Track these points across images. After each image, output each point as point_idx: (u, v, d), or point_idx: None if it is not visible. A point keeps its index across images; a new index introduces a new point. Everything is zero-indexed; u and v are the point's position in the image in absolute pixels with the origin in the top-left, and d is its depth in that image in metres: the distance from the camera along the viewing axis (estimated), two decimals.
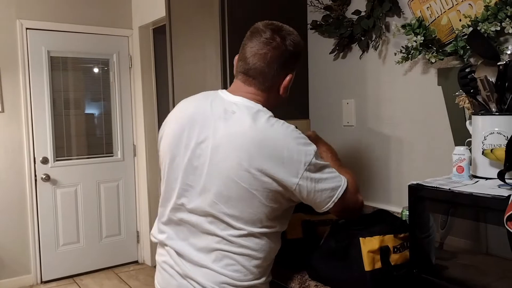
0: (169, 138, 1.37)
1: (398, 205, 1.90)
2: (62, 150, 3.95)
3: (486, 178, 1.31)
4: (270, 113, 1.30)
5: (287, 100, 1.45)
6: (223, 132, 1.26)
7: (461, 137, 1.62)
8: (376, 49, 1.98)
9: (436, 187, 1.24)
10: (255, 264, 1.29)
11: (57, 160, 3.90)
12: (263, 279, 1.33)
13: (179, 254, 1.34)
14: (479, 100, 1.38)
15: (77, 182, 4.00)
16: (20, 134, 3.72)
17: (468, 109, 1.49)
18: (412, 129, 1.87)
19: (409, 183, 1.31)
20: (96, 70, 4.17)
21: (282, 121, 1.29)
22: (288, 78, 1.35)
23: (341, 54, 2.15)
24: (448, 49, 1.65)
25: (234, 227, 1.26)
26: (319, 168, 1.25)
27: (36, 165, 3.79)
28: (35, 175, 3.79)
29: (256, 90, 1.33)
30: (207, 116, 1.31)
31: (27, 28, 3.71)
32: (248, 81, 1.33)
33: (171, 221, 1.37)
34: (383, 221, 1.41)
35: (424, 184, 1.28)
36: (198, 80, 2.30)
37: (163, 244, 1.40)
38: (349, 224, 1.41)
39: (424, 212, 1.28)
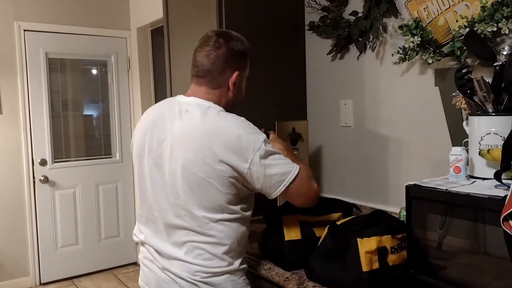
0: (136, 144, 1.51)
1: (396, 206, 1.90)
2: (60, 152, 3.94)
3: (483, 179, 1.31)
4: (221, 109, 1.40)
5: (242, 100, 1.52)
6: (178, 129, 1.37)
7: (458, 137, 1.62)
8: (373, 50, 1.99)
9: (433, 188, 1.24)
10: (224, 251, 1.36)
11: (55, 162, 3.90)
12: (236, 265, 1.39)
13: (157, 251, 1.44)
14: (476, 100, 1.38)
15: (76, 184, 4.00)
16: (18, 136, 3.72)
17: (465, 110, 1.49)
18: (409, 130, 1.87)
19: (406, 184, 1.31)
20: (94, 71, 4.17)
21: (233, 114, 1.39)
22: (234, 75, 1.43)
23: (339, 55, 2.16)
24: (445, 50, 1.65)
25: (198, 216, 1.33)
26: (269, 154, 1.33)
27: (34, 167, 3.79)
28: (34, 177, 3.79)
29: (207, 89, 1.43)
30: (165, 118, 1.42)
31: (25, 30, 3.71)
32: (199, 82, 1.43)
33: (149, 220, 1.47)
34: (380, 222, 1.41)
35: (421, 184, 1.28)
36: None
37: (143, 243, 1.52)
38: (347, 225, 1.41)
39: (421, 213, 1.28)
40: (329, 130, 2.23)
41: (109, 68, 4.17)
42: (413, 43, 1.70)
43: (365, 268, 1.30)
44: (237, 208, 1.37)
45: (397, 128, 1.92)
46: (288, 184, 1.33)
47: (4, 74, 3.64)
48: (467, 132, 1.42)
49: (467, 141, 1.43)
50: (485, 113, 1.35)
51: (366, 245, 1.31)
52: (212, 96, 1.42)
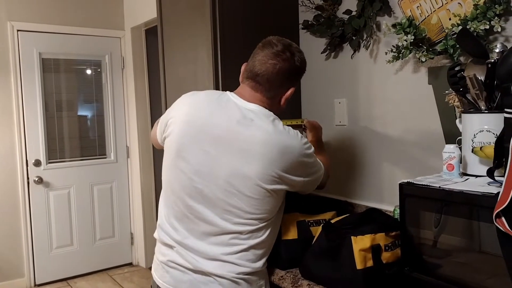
0: (186, 123, 1.45)
1: (391, 204, 1.91)
2: (54, 153, 3.93)
3: (476, 176, 1.32)
4: (281, 122, 1.45)
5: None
6: (244, 137, 1.37)
7: (452, 135, 1.62)
8: (367, 49, 1.99)
9: (427, 185, 1.25)
10: (265, 251, 1.45)
11: (49, 163, 3.88)
12: (265, 261, 1.47)
13: (193, 250, 1.42)
14: (469, 98, 1.39)
15: (70, 185, 3.99)
16: (12, 136, 3.70)
17: (458, 108, 1.50)
18: (403, 128, 1.88)
19: (400, 182, 1.32)
20: (88, 71, 4.16)
21: (290, 128, 1.45)
22: (290, 90, 1.48)
23: (333, 53, 2.16)
24: (438, 48, 1.66)
25: (249, 222, 1.39)
26: (312, 166, 1.49)
27: (28, 167, 3.78)
28: (28, 178, 3.78)
29: (262, 97, 1.44)
30: (222, 117, 1.41)
31: (18, 30, 3.69)
32: (256, 88, 1.43)
33: (184, 217, 1.45)
34: (374, 220, 1.42)
35: (414, 182, 1.29)
36: (190, 81, 2.30)
37: (177, 243, 1.46)
38: (341, 223, 1.42)
39: (415, 210, 1.29)
40: (323, 129, 2.22)
41: (103, 68, 4.16)
42: (406, 41, 1.70)
43: (359, 265, 1.30)
44: (278, 210, 1.46)
45: (391, 126, 1.92)
46: (316, 185, 1.53)
47: None
48: (460, 130, 1.42)
49: (461, 139, 1.43)
50: (477, 110, 1.36)
51: (360, 243, 1.32)
52: (265, 105, 1.44)
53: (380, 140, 1.97)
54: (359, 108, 2.06)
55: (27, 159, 3.77)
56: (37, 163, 3.82)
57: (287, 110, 2.25)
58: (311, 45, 2.25)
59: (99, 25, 4.07)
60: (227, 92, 1.50)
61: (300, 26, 2.29)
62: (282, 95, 1.48)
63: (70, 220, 3.99)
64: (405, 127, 1.87)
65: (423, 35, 1.72)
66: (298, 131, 1.46)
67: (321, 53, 2.17)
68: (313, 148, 1.48)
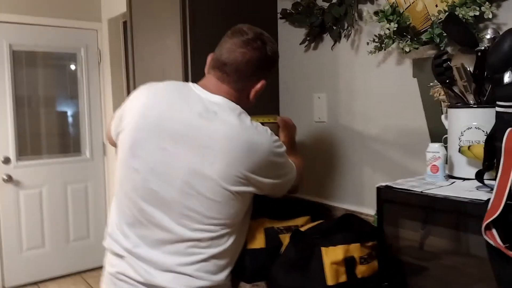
0: (134, 133, 1.29)
1: (372, 208, 1.75)
2: (26, 150, 3.73)
3: (463, 179, 1.17)
4: (249, 116, 1.29)
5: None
6: (207, 133, 1.22)
7: (438, 133, 1.48)
8: (348, 39, 1.83)
9: (407, 190, 1.09)
10: (228, 262, 1.30)
11: (20, 160, 3.68)
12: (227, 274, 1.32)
13: (145, 261, 1.26)
14: (456, 91, 1.23)
15: (42, 184, 3.79)
16: None
17: (444, 102, 1.35)
18: (386, 125, 1.72)
19: (377, 185, 1.16)
20: (62, 65, 3.96)
21: (259, 124, 1.30)
22: (261, 83, 1.35)
23: (312, 44, 2.00)
24: (424, 37, 1.51)
25: (211, 228, 1.26)
26: (284, 167, 1.36)
27: None
28: None
29: (229, 89, 1.31)
30: (184, 110, 1.26)
31: None
32: (223, 79, 1.30)
33: (137, 222, 1.29)
34: (350, 228, 1.26)
35: (393, 186, 1.14)
36: (158, 74, 2.13)
37: (126, 252, 1.30)
38: (313, 231, 1.26)
39: (394, 218, 1.13)
40: (301, 126, 2.07)
41: (78, 61, 3.97)
42: (389, 30, 1.55)
43: (330, 281, 1.15)
44: (244, 215, 1.33)
45: (373, 124, 1.77)
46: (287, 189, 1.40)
47: None
48: (446, 127, 1.27)
49: (447, 137, 1.28)
50: (465, 105, 1.21)
51: (332, 255, 1.16)
52: (233, 98, 1.31)
53: (361, 138, 1.82)
54: (340, 104, 1.90)
55: None
56: (6, 161, 3.62)
57: (263, 106, 2.10)
58: (290, 36, 2.09)
59: (74, 16, 3.87)
60: (190, 83, 1.35)
61: (279, 15, 2.13)
62: (252, 87, 1.35)
63: (42, 220, 3.79)
64: (388, 124, 1.72)
65: (407, 23, 1.57)
66: (267, 127, 1.31)
67: (300, 44, 2.01)
68: (284, 147, 1.34)
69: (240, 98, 1.34)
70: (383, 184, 1.16)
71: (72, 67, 3.97)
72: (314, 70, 2.00)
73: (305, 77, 2.05)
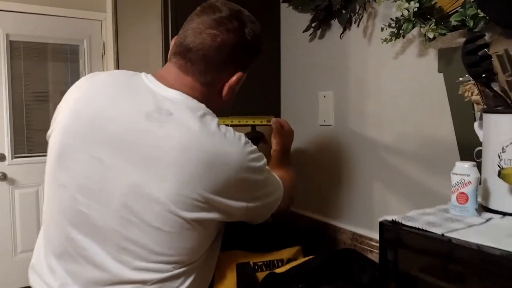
0: (62, 137, 0.98)
1: None
2: (22, 147, 3.51)
3: (504, 214, 0.83)
4: (217, 119, 0.98)
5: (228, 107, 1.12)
6: (155, 139, 0.92)
7: (470, 145, 1.14)
8: (359, 25, 1.50)
9: (422, 230, 0.76)
10: None
11: (15, 157, 3.47)
12: None
13: None
14: (495, 89, 0.89)
15: (39, 182, 3.56)
16: None
17: (478, 104, 1.01)
18: (403, 132, 1.39)
19: (380, 219, 0.84)
20: (64, 58, 3.72)
21: (231, 129, 0.99)
22: (237, 76, 1.03)
23: (318, 32, 1.68)
24: (453, 20, 1.17)
25: (157, 267, 0.95)
26: (265, 185, 1.04)
27: None
28: None
29: (194, 82, 1.00)
30: (129, 109, 0.95)
31: None
32: (186, 69, 0.99)
33: (65, 254, 0.99)
34: (346, 272, 0.93)
35: (403, 222, 0.81)
36: (142, 63, 1.85)
37: None
38: (295, 273, 0.94)
39: (402, 266, 0.80)
40: (304, 130, 1.75)
41: (80, 54, 3.71)
42: (408, 10, 1.21)
43: None
44: (208, 249, 1.03)
45: (388, 129, 1.43)
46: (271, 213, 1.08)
47: None
48: (480, 138, 0.93)
49: (480, 151, 0.95)
50: (509, 109, 0.87)
51: None
52: (197, 94, 1.00)
53: (373, 147, 1.49)
54: (348, 104, 1.57)
55: None
56: (1, 158, 3.40)
57: (261, 106, 1.79)
58: (294, 23, 1.77)
59: (77, 6, 3.62)
60: (143, 73, 1.05)
61: None
62: (225, 81, 1.04)
63: (38, 221, 3.57)
64: (406, 131, 1.38)
65: (432, 3, 1.23)
66: (241, 134, 1.00)
67: (303, 31, 1.69)
68: (264, 160, 1.02)
69: (209, 94, 1.03)
70: (389, 218, 0.83)
71: (74, 60, 3.73)
72: (320, 63, 1.68)
73: (309, 71, 1.73)
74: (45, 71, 3.61)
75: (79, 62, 3.71)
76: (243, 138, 0.98)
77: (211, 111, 1.00)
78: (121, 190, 0.92)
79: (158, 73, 1.03)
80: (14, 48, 3.44)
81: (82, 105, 0.99)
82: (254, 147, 1.00)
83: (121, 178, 0.93)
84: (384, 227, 0.81)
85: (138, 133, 0.93)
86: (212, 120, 0.96)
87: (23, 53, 3.48)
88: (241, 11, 1.04)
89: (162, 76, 1.02)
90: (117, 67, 2.14)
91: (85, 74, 3.69)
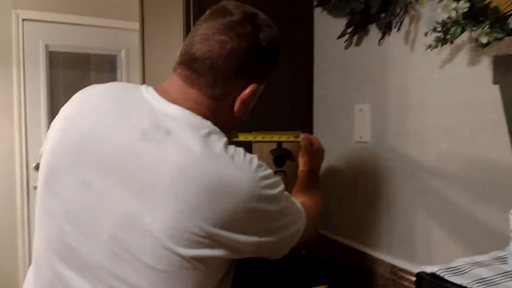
0: (51, 158, 0.89)
1: (426, 265, 1.24)
2: None
3: None
4: (225, 138, 0.85)
5: (241, 124, 1.00)
6: (151, 163, 0.80)
7: None
8: (400, 30, 1.33)
9: None
10: None
11: None
12: None
13: None
14: None
15: None
16: (12, 137, 3.33)
17: None
18: (451, 153, 1.19)
19: (418, 270, 0.67)
20: (101, 68, 3.72)
21: (241, 150, 0.85)
22: (250, 88, 0.91)
23: (354, 39, 1.51)
24: (511, 21, 0.98)
25: None
26: (284, 215, 0.90)
27: (29, 172, 3.38)
28: (27, 184, 3.38)
29: (200, 96, 0.89)
30: (123, 128, 0.84)
31: (23, 19, 3.32)
32: (191, 79, 0.88)
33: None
34: None
35: (446, 276, 0.63)
36: (166, 70, 1.75)
37: None
38: None
39: None
40: (338, 147, 1.58)
41: (118, 64, 3.71)
42: (456, 12, 1.03)
43: None
44: None
45: (433, 149, 1.25)
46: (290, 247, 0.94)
47: None
48: None
49: None
50: None
51: None
52: (205, 110, 0.89)
53: (415, 168, 1.30)
54: (387, 119, 1.39)
55: (28, 162, 3.38)
56: (39, 167, 3.42)
57: (288, 120, 1.63)
58: (328, 29, 1.62)
59: (115, 16, 3.61)
60: (143, 86, 0.93)
61: (315, 2, 1.66)
62: (237, 94, 0.91)
63: None
64: (453, 151, 1.19)
65: (485, 2, 1.04)
66: (254, 156, 0.86)
67: (337, 38, 1.53)
68: (280, 187, 0.87)
69: (218, 110, 0.91)
70: (428, 269, 0.66)
71: (111, 70, 3.72)
72: (356, 72, 1.51)
73: (344, 82, 1.56)
74: (83, 81, 3.62)
75: (116, 72, 3.70)
76: (255, 161, 0.84)
77: (218, 130, 0.86)
78: (111, 221, 0.80)
79: (161, 86, 0.92)
80: (53, 58, 3.47)
81: (71, 123, 0.88)
82: (269, 171, 0.86)
83: (112, 206, 0.81)
84: (423, 281, 0.63)
85: (131, 154, 0.81)
86: (218, 140, 0.83)
87: (62, 63, 3.50)
88: (256, 13, 0.90)
89: (164, 89, 0.90)
90: (143, 76, 2.07)
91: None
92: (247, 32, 0.88)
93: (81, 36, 3.51)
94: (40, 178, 0.90)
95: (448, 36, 1.10)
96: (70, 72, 3.55)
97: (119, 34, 3.64)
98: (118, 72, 3.70)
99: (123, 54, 3.69)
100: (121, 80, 3.67)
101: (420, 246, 1.29)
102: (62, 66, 3.51)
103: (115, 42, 3.65)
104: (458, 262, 0.68)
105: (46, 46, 3.41)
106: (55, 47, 3.45)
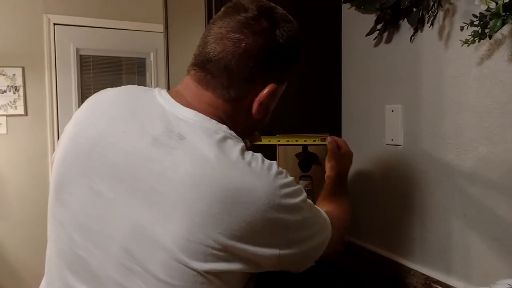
0: (60, 166, 0.85)
1: (464, 279, 1.15)
2: None
3: None
4: (242, 143, 0.80)
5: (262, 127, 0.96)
6: (161, 170, 0.75)
7: None
8: (433, 25, 1.24)
9: None
10: None
11: None
12: None
13: None
14: None
15: None
16: (45, 140, 3.39)
17: None
18: (491, 157, 1.10)
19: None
20: (131, 71, 3.74)
21: (259, 155, 0.79)
22: (268, 88, 0.85)
23: (385, 35, 1.43)
24: None
25: None
26: (308, 225, 0.84)
27: None
28: None
29: (216, 99, 0.84)
30: (133, 132, 0.79)
31: (54, 24, 3.37)
32: (205, 81, 0.84)
33: None
34: None
35: None
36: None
37: None
38: None
39: None
40: (368, 150, 1.50)
41: (147, 67, 3.73)
42: (496, 3, 0.94)
43: None
44: None
45: (471, 152, 1.15)
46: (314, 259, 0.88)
47: (31, 72, 3.32)
48: None
49: None
50: None
51: None
52: (221, 113, 0.85)
53: (452, 173, 1.21)
54: (421, 120, 1.31)
55: None
56: None
57: (316, 122, 1.55)
58: (356, 26, 1.54)
59: (144, 19, 3.63)
60: (156, 89, 0.89)
61: None
62: (254, 96, 0.86)
63: None
64: (493, 155, 1.09)
65: None
66: (273, 163, 0.80)
67: (366, 35, 1.45)
68: (302, 196, 0.81)
69: (235, 113, 0.86)
70: None
71: (141, 73, 3.73)
72: (387, 71, 1.43)
73: (374, 81, 1.48)
74: (113, 84, 3.63)
75: (146, 75, 3.71)
76: (274, 168, 0.78)
77: (234, 134, 0.81)
78: (122, 232, 0.76)
79: (175, 89, 0.87)
80: (83, 62, 3.51)
81: (81, 128, 0.84)
82: (290, 178, 0.80)
83: (122, 217, 0.76)
84: None
85: (141, 161, 0.76)
86: (234, 146, 0.77)
87: (92, 66, 3.54)
88: (273, 8, 0.85)
89: (179, 92, 0.85)
90: (168, 78, 2.04)
91: (151, 87, 3.68)
92: (263, 29, 0.82)
93: (110, 39, 3.54)
94: (50, 186, 0.87)
95: (487, 30, 1.01)
96: (100, 75, 3.58)
97: (147, 37, 3.65)
98: (148, 74, 3.71)
99: (152, 56, 3.69)
100: (151, 82, 3.68)
101: (457, 258, 1.20)
102: (92, 69, 3.54)
103: (144, 45, 3.66)
104: (500, 285, 0.60)
105: (77, 49, 3.45)
106: (85, 51, 3.49)
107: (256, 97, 0.86)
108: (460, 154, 1.18)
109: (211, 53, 0.82)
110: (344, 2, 1.57)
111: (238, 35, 0.81)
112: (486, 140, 1.10)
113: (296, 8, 0.99)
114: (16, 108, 3.27)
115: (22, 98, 3.27)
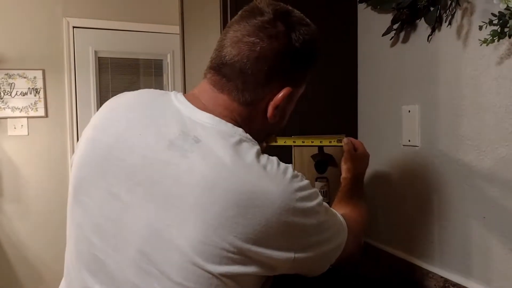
0: (79, 169, 0.86)
1: (483, 282, 1.13)
2: None
3: None
4: (258, 146, 0.80)
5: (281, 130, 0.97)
6: (177, 173, 0.75)
7: None
8: (451, 25, 1.22)
9: None
10: None
11: None
12: None
13: None
14: None
15: None
16: (64, 141, 3.44)
17: None
18: (511, 158, 1.08)
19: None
20: (148, 72, 3.77)
21: (275, 159, 0.79)
22: (283, 92, 0.85)
23: (401, 35, 1.41)
24: None
25: None
26: (324, 229, 0.84)
27: None
28: None
29: (231, 102, 0.84)
30: (150, 135, 0.80)
31: (74, 27, 3.42)
32: (220, 84, 0.84)
33: None
34: None
35: None
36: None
37: None
38: None
39: None
40: (384, 151, 1.49)
41: (164, 68, 3.76)
42: None
43: None
44: None
45: (490, 154, 1.13)
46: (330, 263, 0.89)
47: (51, 74, 3.37)
48: None
49: None
50: None
51: None
52: (236, 116, 0.85)
53: (470, 174, 1.19)
54: (439, 121, 1.29)
55: None
56: None
57: (332, 123, 1.54)
58: (372, 26, 1.52)
59: (161, 21, 3.65)
60: (173, 92, 0.89)
61: None
62: (269, 99, 0.86)
63: None
64: None
65: None
66: (289, 166, 0.80)
67: (383, 35, 1.43)
68: (318, 199, 0.81)
69: (251, 116, 0.86)
70: None
71: (158, 74, 3.76)
72: (404, 71, 1.41)
73: (390, 82, 1.47)
74: (131, 86, 3.68)
75: (163, 76, 3.74)
76: (290, 171, 0.78)
77: (249, 137, 0.81)
78: (138, 235, 0.77)
79: (191, 92, 0.88)
80: (102, 64, 3.55)
81: (99, 132, 0.85)
82: (305, 182, 0.80)
83: (139, 219, 0.77)
84: None
85: (157, 165, 0.77)
86: (250, 149, 0.77)
87: (110, 68, 3.58)
88: (290, 11, 0.84)
89: (195, 95, 0.86)
90: (184, 80, 2.06)
91: (168, 88, 3.71)
92: (278, 32, 0.82)
93: (128, 41, 3.58)
94: (69, 189, 0.88)
95: (506, 29, 0.99)
96: (119, 77, 3.62)
97: (164, 39, 3.68)
98: (165, 75, 3.74)
99: (168, 58, 3.72)
100: (168, 83, 3.71)
101: (477, 260, 1.18)
102: (110, 71, 3.58)
103: (161, 46, 3.68)
104: None
105: (96, 52, 3.49)
106: (103, 53, 3.53)
107: (271, 100, 0.86)
108: (479, 155, 1.16)
109: (227, 57, 0.82)
110: (360, 2, 1.55)
111: (253, 38, 0.81)
112: (505, 141, 1.08)
113: (312, 9, 0.98)
114: (37, 110, 3.33)
115: (42, 100, 3.33)
